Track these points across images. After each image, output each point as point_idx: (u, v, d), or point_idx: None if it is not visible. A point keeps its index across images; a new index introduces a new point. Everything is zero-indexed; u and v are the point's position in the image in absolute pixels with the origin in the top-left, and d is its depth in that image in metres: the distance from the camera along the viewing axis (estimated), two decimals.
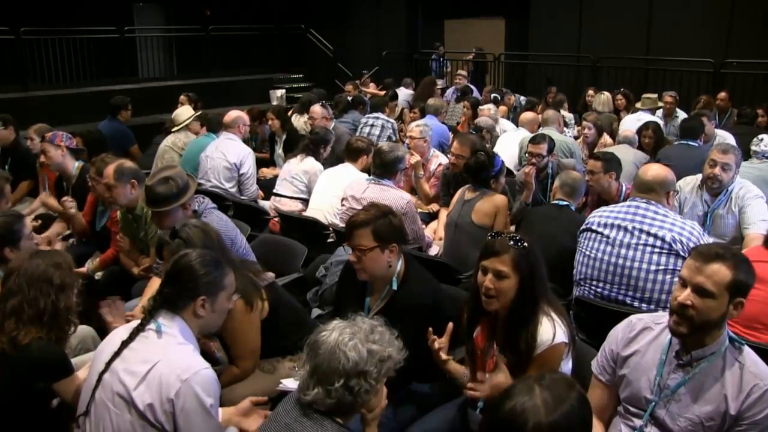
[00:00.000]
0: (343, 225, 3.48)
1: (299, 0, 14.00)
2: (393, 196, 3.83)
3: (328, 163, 5.04)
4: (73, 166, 4.41)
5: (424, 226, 4.21)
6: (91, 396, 1.97)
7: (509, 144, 5.84)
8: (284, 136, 6.24)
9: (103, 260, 3.83)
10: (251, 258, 3.22)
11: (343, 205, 4.09)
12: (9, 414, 2.17)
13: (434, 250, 4.06)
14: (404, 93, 9.43)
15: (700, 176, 3.79)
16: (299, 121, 7.01)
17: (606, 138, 6.05)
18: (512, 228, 3.84)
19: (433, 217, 4.73)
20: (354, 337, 1.72)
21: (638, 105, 7.23)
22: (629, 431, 2.04)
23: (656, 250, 2.94)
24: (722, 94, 7.40)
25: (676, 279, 2.23)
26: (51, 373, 2.21)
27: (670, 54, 9.40)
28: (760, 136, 4.58)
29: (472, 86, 9.16)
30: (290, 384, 2.18)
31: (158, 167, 4.39)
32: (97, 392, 1.96)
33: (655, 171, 3.18)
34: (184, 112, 6.25)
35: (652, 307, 2.90)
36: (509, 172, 4.88)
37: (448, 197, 4.38)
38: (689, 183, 3.84)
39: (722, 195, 3.65)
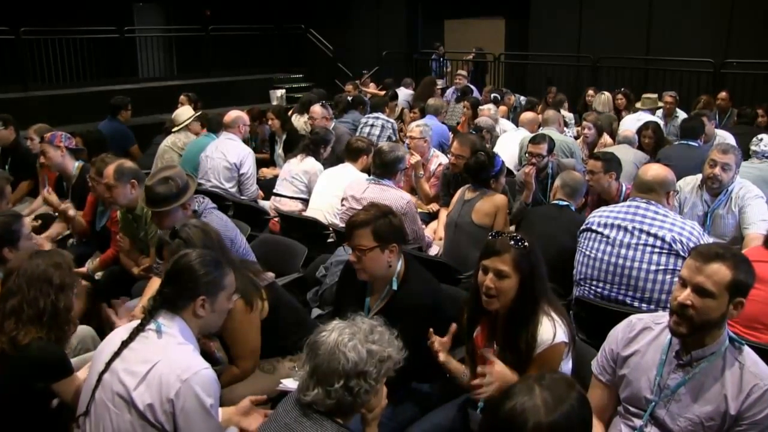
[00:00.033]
0: (343, 225, 3.48)
1: (299, 0, 13.99)
2: (393, 196, 3.83)
3: (328, 163, 5.04)
4: (73, 166, 4.42)
5: (424, 226, 4.21)
6: (91, 396, 1.97)
7: (509, 144, 5.84)
8: (284, 136, 6.24)
9: (103, 260, 3.83)
10: (251, 258, 3.22)
11: (343, 205, 4.09)
12: (9, 414, 2.17)
13: (434, 250, 4.06)
14: (404, 93, 9.42)
15: (700, 176, 3.79)
16: (299, 121, 7.00)
17: (606, 138, 6.05)
18: (512, 228, 3.84)
19: (433, 217, 4.73)
20: (354, 338, 1.72)
21: (638, 105, 7.22)
22: (629, 431, 2.04)
23: (656, 250, 2.94)
24: (722, 94, 7.40)
25: (676, 279, 2.23)
26: (51, 373, 2.20)
27: (670, 54, 9.40)
28: (759, 136, 4.58)
29: (472, 86, 9.16)
30: (290, 384, 2.18)
31: (158, 167, 4.38)
32: (97, 392, 1.96)
33: (655, 171, 3.18)
34: (184, 112, 6.25)
35: (652, 307, 2.90)
36: (509, 172, 4.87)
37: (448, 197, 4.38)
38: (689, 183, 3.84)
39: (722, 195, 3.65)
